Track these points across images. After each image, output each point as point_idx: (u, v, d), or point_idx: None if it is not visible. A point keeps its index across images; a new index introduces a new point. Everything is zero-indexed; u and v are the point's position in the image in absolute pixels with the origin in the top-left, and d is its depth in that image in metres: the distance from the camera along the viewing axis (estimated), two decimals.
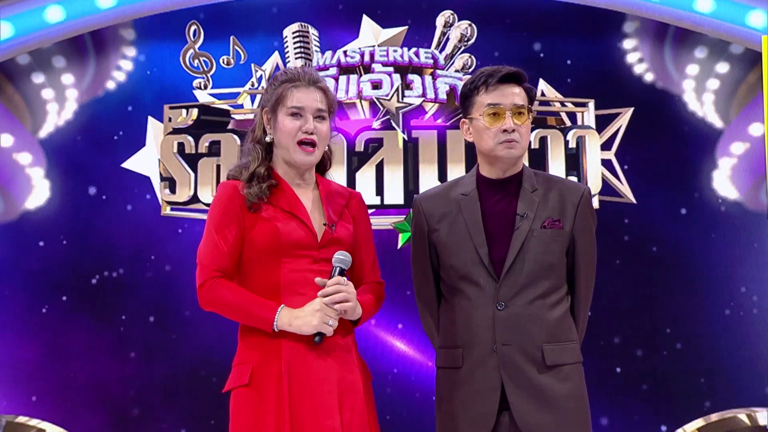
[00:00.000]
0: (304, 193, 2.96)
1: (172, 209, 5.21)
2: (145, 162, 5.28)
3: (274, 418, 2.77)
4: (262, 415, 2.79)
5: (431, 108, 5.26)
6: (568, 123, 5.28)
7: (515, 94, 2.99)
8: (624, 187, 5.26)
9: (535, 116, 5.22)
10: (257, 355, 2.84)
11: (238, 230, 2.88)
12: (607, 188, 5.26)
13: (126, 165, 5.28)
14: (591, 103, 5.30)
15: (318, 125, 2.93)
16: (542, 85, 5.27)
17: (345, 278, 2.85)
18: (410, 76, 5.25)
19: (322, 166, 3.07)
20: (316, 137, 2.92)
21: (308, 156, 2.92)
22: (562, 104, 5.30)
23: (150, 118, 5.29)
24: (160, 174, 5.24)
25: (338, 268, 2.86)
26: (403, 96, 5.22)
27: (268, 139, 2.97)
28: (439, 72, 5.24)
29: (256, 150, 2.96)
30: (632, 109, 5.29)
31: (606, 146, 5.28)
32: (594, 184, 5.21)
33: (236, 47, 5.27)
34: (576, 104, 5.28)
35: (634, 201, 5.25)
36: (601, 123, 5.30)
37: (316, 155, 2.94)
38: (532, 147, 5.20)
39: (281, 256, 2.85)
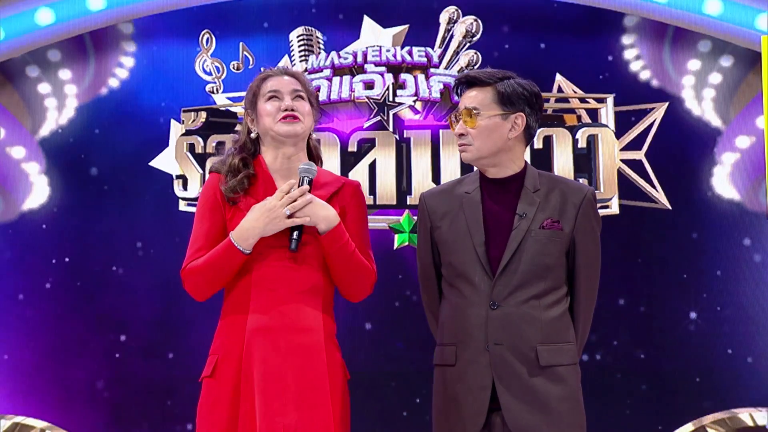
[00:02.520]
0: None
1: (187, 205, 5.32)
2: (167, 161, 5.38)
3: (228, 410, 2.82)
4: (218, 407, 2.84)
5: (424, 107, 5.26)
6: (588, 120, 5.23)
7: (470, 98, 3.01)
8: (659, 194, 5.18)
9: (551, 114, 5.19)
10: (223, 348, 2.89)
11: (215, 221, 2.94)
12: (631, 192, 5.20)
13: (152, 164, 5.37)
14: (610, 99, 5.25)
15: (296, 103, 2.98)
16: (559, 80, 5.24)
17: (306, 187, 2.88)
18: (403, 76, 5.25)
19: (312, 160, 3.08)
20: (297, 113, 2.97)
21: (291, 125, 2.96)
22: (580, 100, 5.22)
23: (172, 120, 5.37)
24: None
25: (305, 179, 2.90)
26: (395, 95, 5.22)
27: (252, 135, 3.03)
28: (433, 71, 5.24)
29: (234, 147, 3.04)
30: (666, 104, 5.25)
31: (631, 146, 5.21)
32: (609, 187, 5.15)
33: (245, 52, 5.32)
34: (595, 100, 5.22)
35: (669, 207, 5.21)
36: (620, 121, 5.23)
37: (300, 126, 2.98)
38: (535, 147, 5.17)
39: (255, 248, 2.88)
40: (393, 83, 5.23)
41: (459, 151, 3.04)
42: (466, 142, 3.00)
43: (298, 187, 2.90)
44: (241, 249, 2.84)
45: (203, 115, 5.34)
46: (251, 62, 5.32)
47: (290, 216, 2.85)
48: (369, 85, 5.24)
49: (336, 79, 5.26)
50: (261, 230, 2.84)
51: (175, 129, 5.36)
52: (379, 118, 5.23)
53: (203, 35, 5.36)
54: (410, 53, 5.25)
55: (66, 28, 5.40)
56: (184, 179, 5.33)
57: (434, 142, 5.24)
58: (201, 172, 5.30)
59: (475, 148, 3.00)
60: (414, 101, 5.23)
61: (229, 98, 5.35)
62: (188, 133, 5.34)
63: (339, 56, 5.27)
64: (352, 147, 5.26)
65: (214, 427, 2.84)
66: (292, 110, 2.96)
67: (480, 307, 2.92)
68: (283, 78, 3.02)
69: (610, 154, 5.19)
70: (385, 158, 5.25)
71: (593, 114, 5.24)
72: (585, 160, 5.20)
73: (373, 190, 5.21)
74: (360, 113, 5.25)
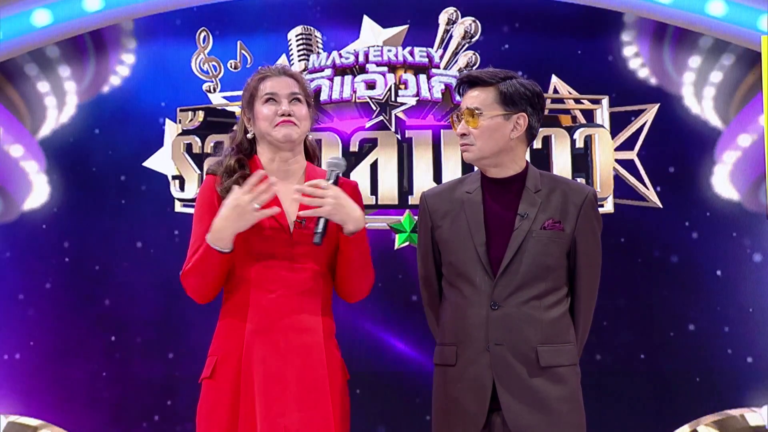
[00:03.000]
0: (286, 186, 2.95)
1: (183, 206, 5.30)
2: (162, 161, 5.35)
3: (228, 412, 2.82)
4: (218, 409, 2.84)
5: (426, 107, 5.26)
6: (583, 120, 5.23)
7: (472, 98, 3.01)
8: (649, 192, 5.19)
9: (546, 114, 5.20)
10: (222, 349, 2.88)
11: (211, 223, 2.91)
12: (625, 191, 5.21)
13: (146, 164, 5.35)
14: (605, 100, 5.26)
15: (294, 107, 2.96)
16: (555, 81, 5.24)
17: (328, 182, 2.85)
18: (405, 76, 5.25)
19: (309, 159, 3.08)
20: (294, 118, 2.95)
21: (287, 128, 2.94)
22: (575, 101, 5.22)
23: (167, 120, 5.35)
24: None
25: (333, 173, 2.88)
26: (397, 95, 5.22)
27: (249, 136, 3.01)
28: (434, 71, 5.24)
29: (231, 147, 3.02)
30: (658, 105, 5.25)
31: (625, 146, 5.23)
32: (605, 186, 5.16)
33: (243, 51, 5.31)
34: (589, 101, 5.23)
35: (660, 205, 5.22)
36: (615, 121, 5.24)
37: (296, 131, 2.96)
38: (535, 147, 5.18)
39: (253, 250, 2.87)
40: (395, 83, 5.23)
41: (461, 151, 3.04)
42: (468, 142, 3.00)
43: (327, 181, 2.87)
44: (218, 249, 2.81)
45: (201, 114, 5.32)
46: (249, 61, 5.31)
47: (262, 208, 2.81)
48: (371, 85, 5.24)
49: (337, 79, 5.25)
50: (233, 228, 2.79)
51: (170, 129, 5.34)
52: (381, 118, 5.23)
53: (200, 33, 5.34)
54: (412, 53, 5.25)
55: (64, 29, 5.40)
56: (180, 179, 5.30)
57: (435, 142, 5.24)
58: (198, 172, 5.27)
59: (477, 148, 3.00)
60: (416, 101, 5.23)
61: (226, 97, 5.32)
62: (185, 132, 5.32)
63: (340, 56, 5.26)
64: (354, 147, 5.25)
65: (215, 429, 2.83)
66: (289, 115, 2.94)
67: (480, 308, 2.92)
68: (281, 79, 2.99)
69: (607, 153, 5.20)
70: (386, 158, 5.25)
71: (589, 115, 5.25)
72: (582, 159, 5.21)
73: (374, 190, 5.21)
74: (361, 113, 5.25)
